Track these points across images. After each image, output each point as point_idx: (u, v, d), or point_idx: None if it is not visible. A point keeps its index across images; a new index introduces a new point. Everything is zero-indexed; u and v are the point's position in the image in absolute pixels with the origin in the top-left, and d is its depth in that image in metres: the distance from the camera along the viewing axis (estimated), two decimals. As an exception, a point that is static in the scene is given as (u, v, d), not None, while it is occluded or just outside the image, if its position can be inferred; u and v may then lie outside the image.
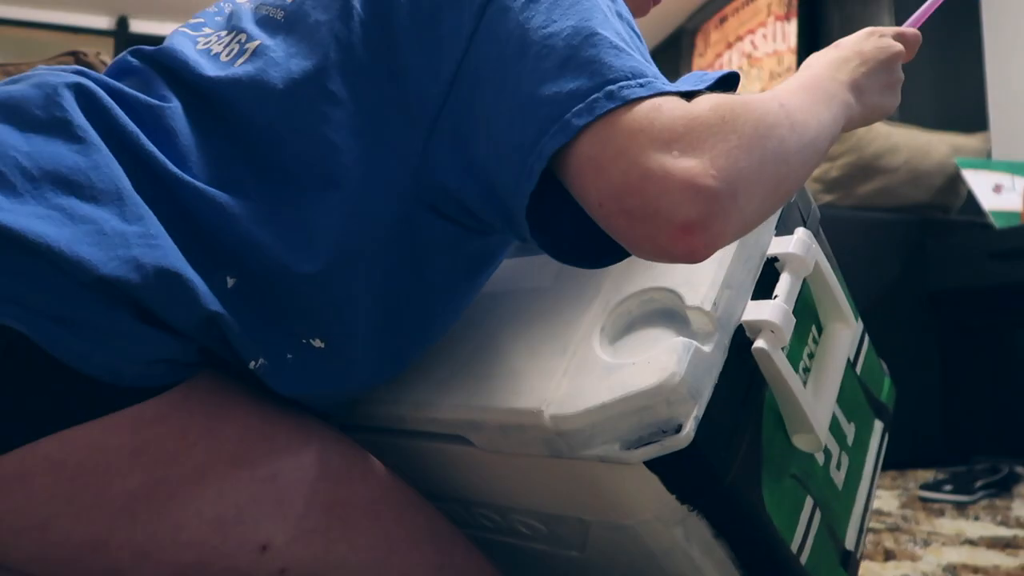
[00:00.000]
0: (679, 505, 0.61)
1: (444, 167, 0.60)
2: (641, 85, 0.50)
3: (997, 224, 2.29)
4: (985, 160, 2.49)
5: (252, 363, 0.57)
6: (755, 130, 0.49)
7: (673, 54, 4.63)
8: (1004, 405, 2.40)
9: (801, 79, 0.62)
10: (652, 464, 0.58)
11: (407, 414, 0.67)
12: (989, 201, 2.35)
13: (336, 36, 0.62)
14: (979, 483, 1.85)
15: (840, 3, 3.41)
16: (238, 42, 0.67)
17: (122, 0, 4.52)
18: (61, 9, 4.61)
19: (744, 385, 0.64)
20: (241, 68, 0.63)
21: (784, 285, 0.67)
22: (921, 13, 0.80)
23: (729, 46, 4.11)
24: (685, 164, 0.46)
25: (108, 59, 1.32)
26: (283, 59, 0.62)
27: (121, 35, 4.75)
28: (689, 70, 4.42)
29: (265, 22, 0.67)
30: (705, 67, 4.29)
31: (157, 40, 1.70)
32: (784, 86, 0.60)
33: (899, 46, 0.71)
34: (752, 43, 3.90)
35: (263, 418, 0.60)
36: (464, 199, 0.60)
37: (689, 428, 0.56)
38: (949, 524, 1.59)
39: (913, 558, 1.34)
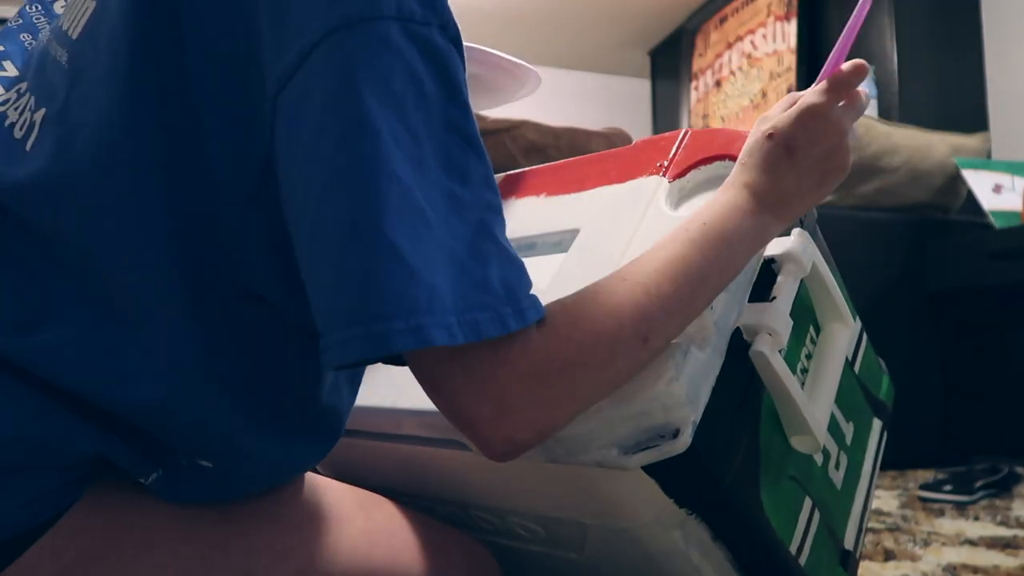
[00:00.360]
0: (677, 509, 0.61)
1: (261, 276, 0.52)
2: (447, 328, 0.43)
3: (997, 224, 2.29)
4: (985, 160, 2.49)
5: (144, 479, 0.54)
6: (576, 381, 0.49)
7: (673, 54, 4.62)
8: (1004, 405, 2.40)
9: (703, 239, 0.56)
10: (650, 469, 0.58)
11: (404, 420, 0.67)
12: (989, 201, 2.35)
13: (125, 102, 0.49)
14: (979, 483, 1.85)
15: (840, 3, 3.41)
16: (29, 108, 0.55)
17: (122, 1, 4.51)
18: (61, 10, 4.61)
19: (742, 388, 0.64)
20: (32, 161, 0.52)
21: (782, 287, 0.67)
22: (840, 45, 0.66)
23: (729, 46, 4.10)
24: (502, 430, 0.47)
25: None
26: (68, 144, 0.50)
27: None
28: (689, 70, 4.42)
29: (52, 71, 0.55)
30: (705, 67, 4.29)
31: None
32: (665, 265, 0.54)
33: (841, 130, 0.62)
34: (752, 43, 3.89)
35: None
36: (285, 302, 0.54)
37: (687, 433, 0.56)
38: (949, 524, 1.59)
39: (913, 558, 1.34)
